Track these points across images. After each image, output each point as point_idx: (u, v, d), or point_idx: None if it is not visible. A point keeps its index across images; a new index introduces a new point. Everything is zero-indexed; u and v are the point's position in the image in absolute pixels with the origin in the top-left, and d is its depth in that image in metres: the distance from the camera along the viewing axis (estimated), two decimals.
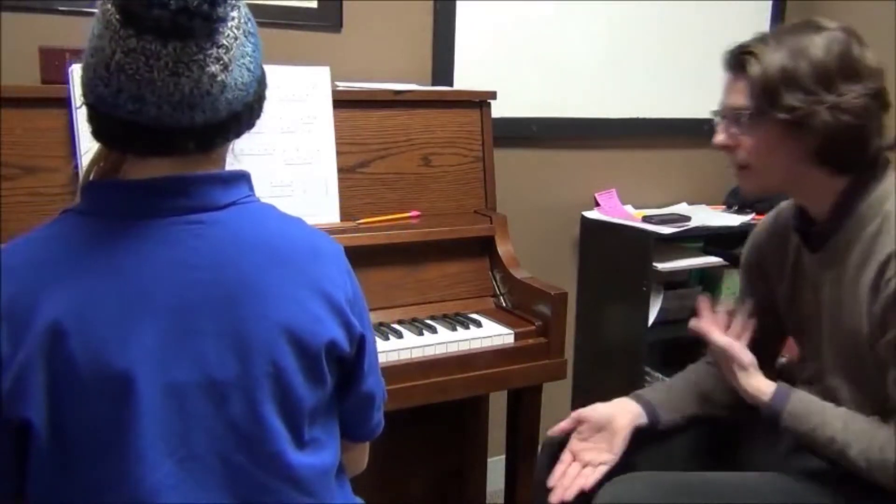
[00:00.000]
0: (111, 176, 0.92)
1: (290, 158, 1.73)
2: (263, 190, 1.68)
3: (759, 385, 1.35)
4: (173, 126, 0.86)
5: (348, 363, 0.98)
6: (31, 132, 1.49)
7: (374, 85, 1.94)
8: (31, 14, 1.74)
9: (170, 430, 0.85)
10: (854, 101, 1.23)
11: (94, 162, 0.95)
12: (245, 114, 0.92)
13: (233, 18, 0.86)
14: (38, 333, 0.82)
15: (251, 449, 0.89)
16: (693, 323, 1.44)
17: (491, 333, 1.70)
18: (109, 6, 0.83)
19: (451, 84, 2.26)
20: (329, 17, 2.09)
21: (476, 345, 1.66)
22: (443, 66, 2.26)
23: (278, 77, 1.70)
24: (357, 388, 1.02)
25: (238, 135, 0.94)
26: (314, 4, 2.07)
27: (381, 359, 1.54)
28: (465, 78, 2.28)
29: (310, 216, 1.69)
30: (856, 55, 1.25)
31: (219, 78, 0.85)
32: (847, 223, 1.30)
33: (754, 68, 1.26)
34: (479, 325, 1.74)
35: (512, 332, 1.71)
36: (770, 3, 2.89)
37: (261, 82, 0.94)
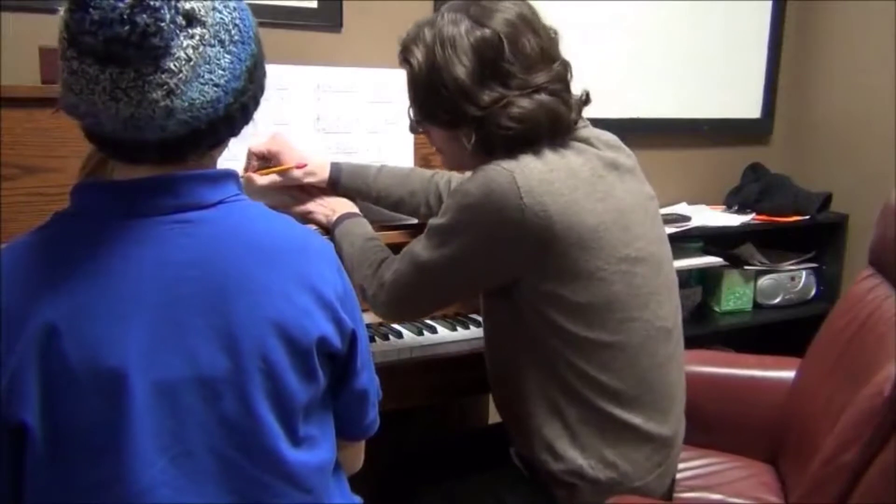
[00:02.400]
0: (100, 172, 0.93)
1: (374, 158, 1.78)
2: None
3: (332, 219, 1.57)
4: (130, 141, 0.86)
5: (341, 359, 0.98)
6: (31, 132, 1.49)
7: None
8: (31, 14, 1.74)
9: (163, 428, 0.86)
10: (502, 110, 1.25)
11: (84, 162, 0.96)
12: (221, 125, 0.90)
13: (191, 37, 0.84)
14: (32, 336, 0.83)
15: (245, 445, 0.89)
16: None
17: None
18: (61, 23, 0.83)
19: None
20: (329, 17, 2.10)
21: (476, 344, 1.66)
22: None
23: (365, 79, 1.79)
24: (350, 384, 1.02)
25: (217, 144, 0.94)
26: (314, 4, 2.07)
27: (381, 359, 1.55)
28: None
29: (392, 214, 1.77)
30: (492, 46, 1.26)
31: (161, 103, 0.83)
32: None
33: (406, 72, 1.34)
34: (479, 324, 1.73)
35: None
36: (770, 3, 2.89)
37: (242, 91, 0.91)
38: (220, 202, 0.92)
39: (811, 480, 1.35)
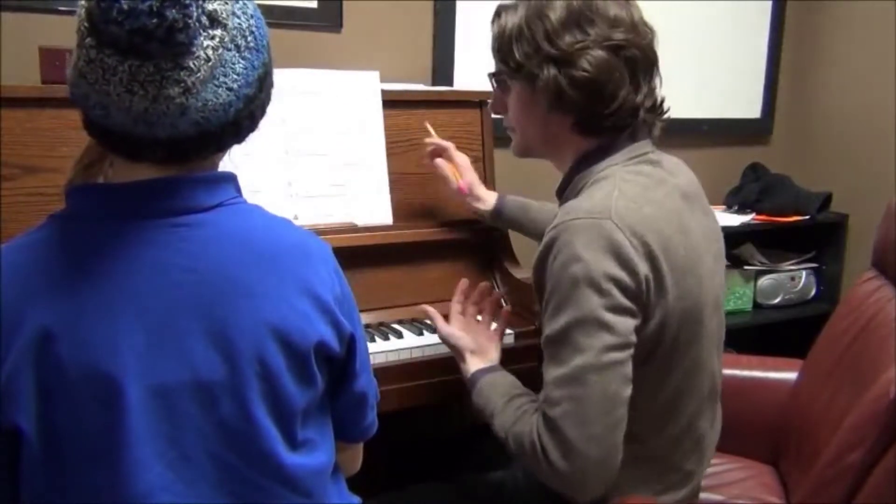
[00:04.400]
0: (97, 167, 0.93)
1: (346, 159, 1.77)
2: (320, 190, 1.73)
3: (469, 368, 1.40)
4: (139, 136, 0.86)
5: (339, 363, 0.98)
6: (31, 132, 1.49)
7: None
8: (31, 14, 1.74)
9: (160, 432, 0.85)
10: (579, 54, 1.19)
11: (81, 156, 0.95)
12: (228, 130, 0.90)
13: (212, 38, 0.84)
14: (27, 339, 0.83)
15: (243, 449, 0.89)
16: (423, 308, 1.53)
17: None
18: (83, 11, 0.83)
19: (451, 84, 2.26)
20: (329, 17, 2.09)
21: None
22: (443, 66, 2.26)
23: (331, 81, 1.76)
24: (349, 387, 1.02)
25: (221, 148, 0.93)
26: (314, 4, 2.07)
27: (382, 359, 1.55)
28: (465, 78, 2.28)
29: (363, 216, 1.75)
30: (593, 6, 1.22)
31: (177, 100, 0.83)
32: (565, 192, 1.31)
33: (494, 28, 1.30)
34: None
35: (512, 331, 1.70)
36: (770, 3, 2.89)
37: (252, 99, 0.91)
38: (219, 205, 0.91)
39: (815, 482, 1.34)
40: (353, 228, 1.74)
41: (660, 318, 1.17)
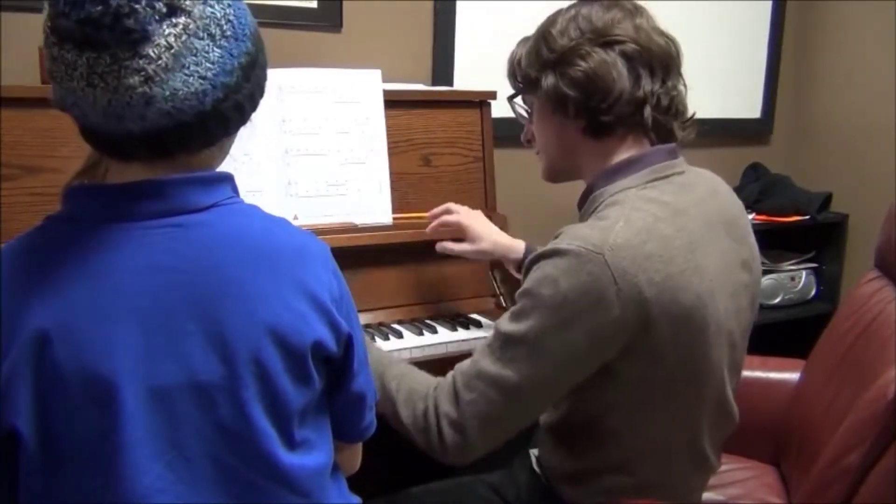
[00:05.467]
0: (94, 170, 0.93)
1: (345, 158, 1.76)
2: (319, 189, 1.72)
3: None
4: (115, 133, 0.85)
5: (336, 363, 0.98)
6: (31, 132, 1.49)
7: None
8: (31, 14, 1.74)
9: (158, 434, 0.85)
10: (573, 52, 1.19)
11: (84, 162, 0.95)
12: (211, 121, 0.88)
13: (174, 25, 0.83)
14: (24, 343, 0.82)
15: (241, 450, 0.89)
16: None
17: None
18: (45, 10, 0.83)
19: (451, 84, 2.26)
20: (329, 17, 2.09)
21: (476, 345, 1.66)
22: (443, 66, 2.26)
23: (332, 80, 1.76)
24: (347, 387, 1.01)
25: (208, 142, 0.91)
26: (314, 4, 2.07)
27: None
28: (465, 78, 2.28)
29: (363, 215, 1.75)
30: (594, 15, 1.21)
31: (139, 90, 0.82)
32: (581, 209, 1.29)
33: (508, 59, 1.33)
34: (479, 325, 1.73)
35: None
36: (770, 3, 2.88)
37: (235, 88, 0.89)
38: (214, 205, 0.91)
39: (814, 483, 1.35)
40: (353, 228, 1.74)
41: (647, 360, 1.14)
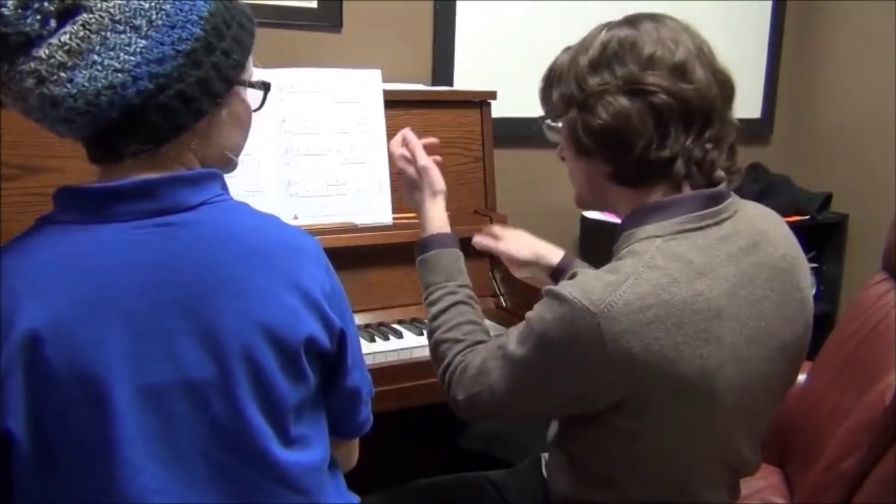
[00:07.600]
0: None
1: (345, 158, 1.76)
2: (319, 189, 1.72)
3: (435, 216, 1.37)
4: (73, 136, 0.88)
5: (330, 359, 0.98)
6: (31, 132, 1.48)
7: None
8: None
9: (151, 433, 0.85)
10: (597, 98, 1.08)
11: None
12: (151, 113, 0.87)
13: (73, 23, 0.83)
14: (16, 343, 0.82)
15: (236, 448, 0.89)
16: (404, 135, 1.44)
17: (491, 333, 1.69)
18: None
19: (451, 84, 2.26)
20: (329, 17, 2.09)
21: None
22: (443, 66, 2.26)
23: (332, 80, 1.76)
24: (341, 383, 1.01)
25: (162, 136, 0.89)
26: (314, 4, 2.07)
27: (382, 359, 1.55)
28: (465, 78, 2.28)
29: (363, 215, 1.75)
30: (631, 43, 1.11)
31: (35, 92, 0.83)
32: (617, 239, 1.18)
33: (547, 69, 1.21)
34: None
35: None
36: (770, 3, 2.88)
37: (175, 77, 0.86)
38: (203, 203, 0.90)
39: (811, 486, 1.34)
40: (353, 228, 1.74)
41: (642, 419, 1.08)
